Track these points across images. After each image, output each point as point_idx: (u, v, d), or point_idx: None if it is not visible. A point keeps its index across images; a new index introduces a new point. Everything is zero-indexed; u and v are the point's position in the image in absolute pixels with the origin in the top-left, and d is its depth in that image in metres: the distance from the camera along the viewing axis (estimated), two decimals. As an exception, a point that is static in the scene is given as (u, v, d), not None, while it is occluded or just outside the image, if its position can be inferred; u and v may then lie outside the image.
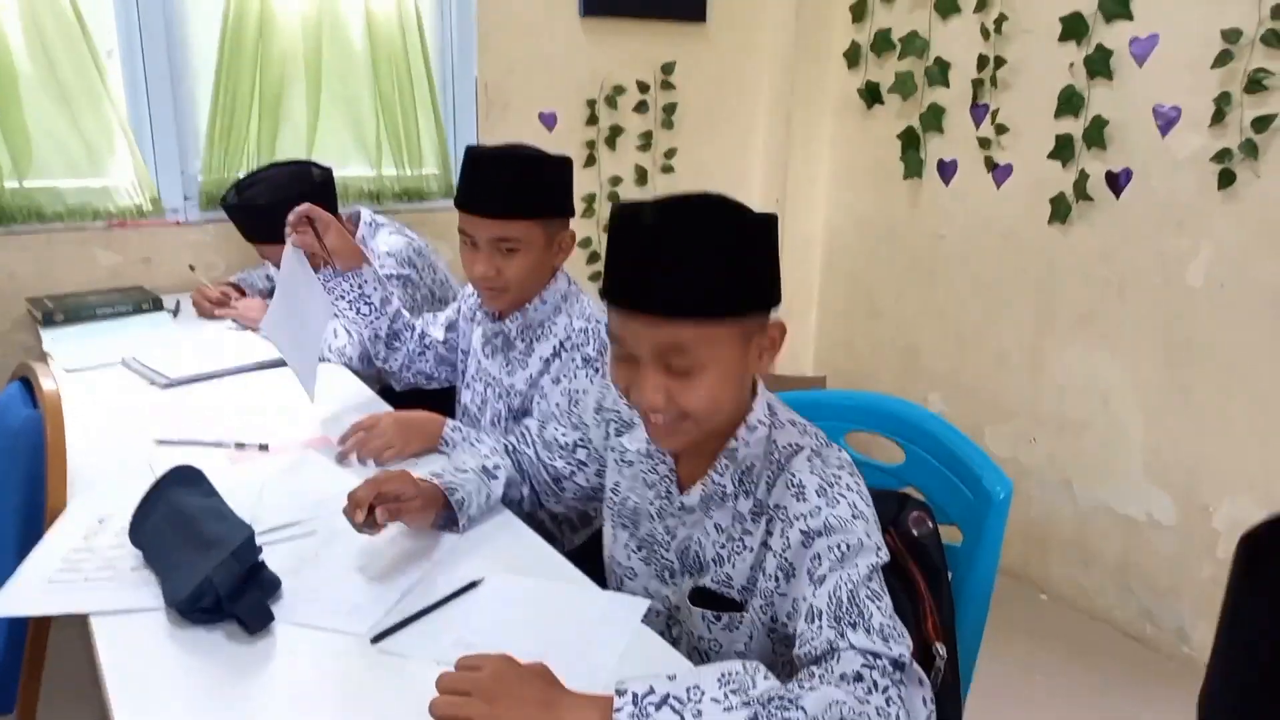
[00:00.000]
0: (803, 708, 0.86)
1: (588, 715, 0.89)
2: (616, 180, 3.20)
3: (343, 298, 1.77)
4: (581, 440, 1.39)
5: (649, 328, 1.04)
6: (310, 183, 2.25)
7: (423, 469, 1.54)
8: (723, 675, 0.91)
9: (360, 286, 1.76)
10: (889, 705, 0.89)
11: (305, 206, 1.68)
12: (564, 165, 1.66)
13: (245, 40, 2.53)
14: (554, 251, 1.67)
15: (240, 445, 1.58)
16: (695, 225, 1.03)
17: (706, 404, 1.08)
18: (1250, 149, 2.23)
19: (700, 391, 1.07)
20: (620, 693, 0.89)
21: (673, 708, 0.87)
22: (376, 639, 1.07)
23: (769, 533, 1.13)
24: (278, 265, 2.30)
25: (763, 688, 0.89)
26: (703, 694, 0.89)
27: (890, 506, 1.29)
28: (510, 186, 1.58)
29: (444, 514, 1.34)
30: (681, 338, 1.04)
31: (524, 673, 0.93)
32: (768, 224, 1.08)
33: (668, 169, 3.28)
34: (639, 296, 1.05)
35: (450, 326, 1.90)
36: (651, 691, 0.88)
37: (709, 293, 1.02)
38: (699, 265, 1.02)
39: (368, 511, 1.21)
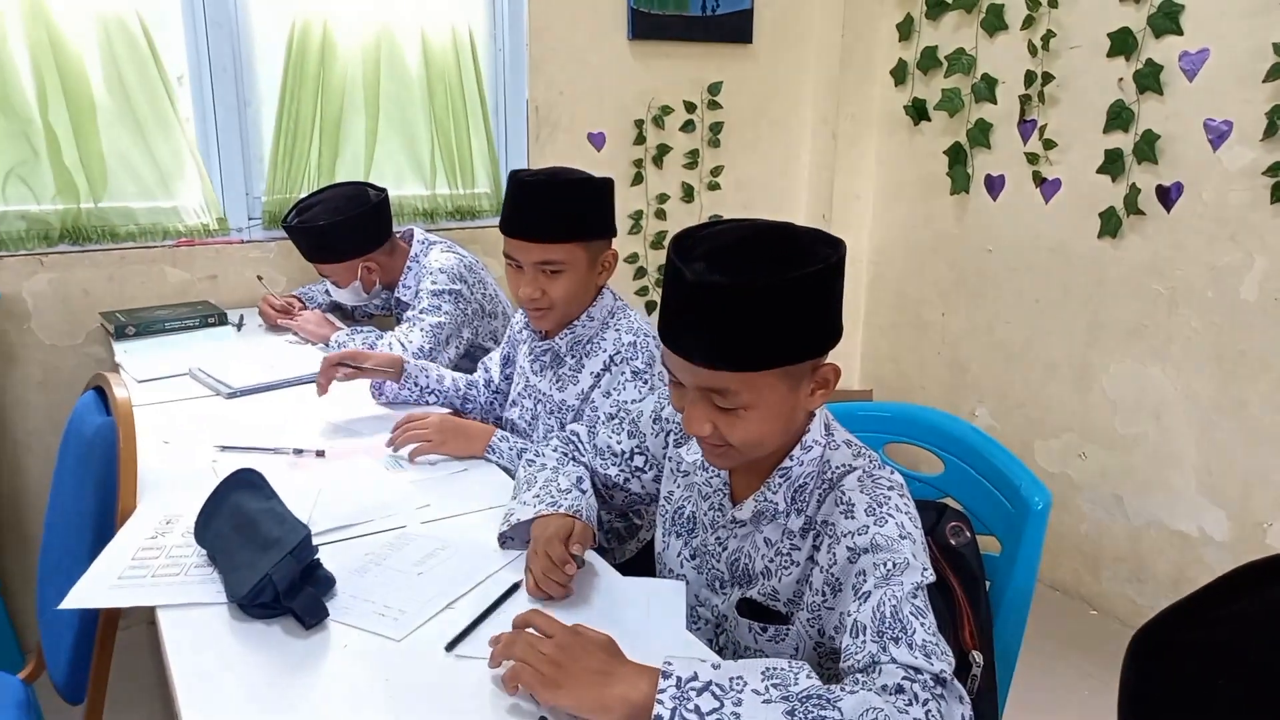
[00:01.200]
0: (840, 709, 0.88)
1: (639, 687, 0.94)
2: (664, 198, 3.25)
3: (409, 402, 1.89)
4: (638, 448, 1.40)
5: (691, 369, 1.07)
6: (367, 203, 2.34)
7: (474, 475, 1.60)
8: (767, 669, 0.94)
9: (417, 385, 1.88)
10: (928, 719, 0.90)
11: (328, 362, 1.78)
12: (604, 187, 1.69)
13: (308, 68, 2.64)
14: (597, 271, 1.71)
15: (299, 451, 1.65)
16: (740, 285, 1.01)
17: (752, 439, 1.10)
18: (1304, 161, 2.21)
19: (746, 427, 1.09)
20: (666, 675, 0.93)
21: (714, 694, 0.91)
22: (450, 646, 1.09)
23: (816, 548, 1.15)
24: (336, 284, 2.40)
25: (804, 685, 0.92)
26: (745, 685, 0.92)
27: (929, 516, 1.30)
28: (552, 211, 1.63)
29: None
30: (722, 382, 1.06)
31: (588, 644, 1.00)
32: (828, 271, 1.05)
33: (714, 186, 3.32)
34: (679, 346, 1.07)
35: (507, 361, 1.96)
36: (695, 677, 0.92)
37: (749, 351, 1.03)
38: (739, 326, 1.02)
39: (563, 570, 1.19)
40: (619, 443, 1.41)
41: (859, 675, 0.95)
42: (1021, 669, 1.36)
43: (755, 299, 1.01)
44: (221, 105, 2.59)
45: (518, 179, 1.65)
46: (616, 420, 1.44)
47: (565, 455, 1.45)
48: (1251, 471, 2.40)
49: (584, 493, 1.36)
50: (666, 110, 3.17)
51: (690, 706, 0.90)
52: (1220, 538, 2.48)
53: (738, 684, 0.92)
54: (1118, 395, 2.71)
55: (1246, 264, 2.37)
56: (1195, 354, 2.50)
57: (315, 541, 1.23)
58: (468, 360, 2.47)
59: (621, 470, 1.41)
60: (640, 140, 3.16)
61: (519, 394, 1.87)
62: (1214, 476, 2.49)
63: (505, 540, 1.33)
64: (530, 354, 1.83)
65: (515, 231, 1.65)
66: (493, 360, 1.99)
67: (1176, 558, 2.59)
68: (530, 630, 1.03)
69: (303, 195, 2.47)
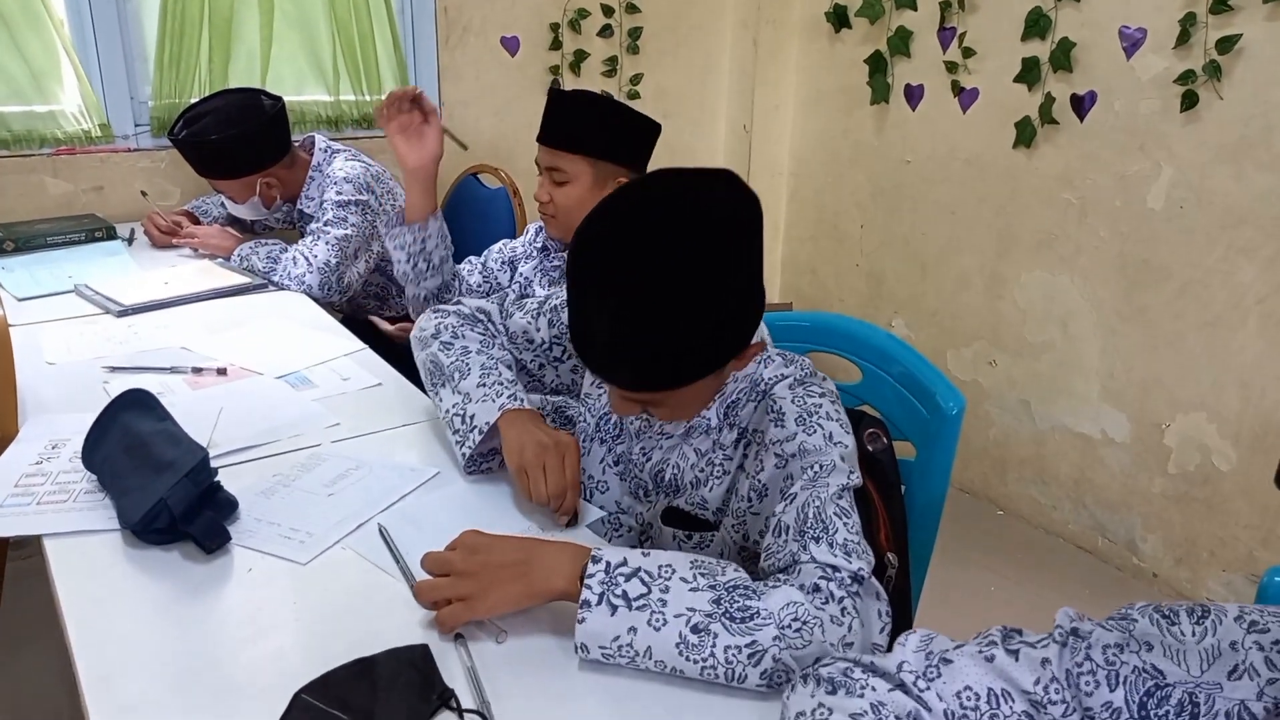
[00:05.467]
0: (764, 601, 0.90)
1: (561, 568, 0.94)
2: (581, 106, 3.14)
3: (401, 249, 1.78)
4: (558, 338, 1.37)
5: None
6: (262, 115, 2.19)
7: (385, 392, 1.54)
8: (695, 560, 0.94)
9: (423, 242, 1.78)
10: (844, 615, 0.91)
11: (409, 92, 1.75)
12: (636, 119, 1.72)
13: (192, -42, 2.44)
14: (606, 192, 1.66)
15: (198, 370, 1.57)
16: (644, 323, 0.99)
17: (684, 414, 1.16)
18: (1213, 70, 2.23)
19: (677, 411, 1.15)
20: (595, 559, 0.92)
21: (641, 580, 0.91)
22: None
23: (745, 456, 1.16)
24: (232, 199, 2.27)
25: (730, 577, 0.93)
26: (673, 572, 0.92)
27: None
28: (567, 120, 1.70)
29: None
30: (646, 397, 1.08)
31: (493, 539, 0.98)
32: (735, 272, 1.07)
33: (634, 95, 3.22)
34: (599, 375, 1.08)
35: (512, 264, 1.91)
36: (624, 563, 0.92)
37: (666, 378, 1.03)
38: (650, 361, 1.01)
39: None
40: (538, 330, 1.38)
41: (780, 574, 0.96)
42: (932, 568, 1.40)
43: (664, 331, 1.00)
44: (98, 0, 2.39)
45: (551, 89, 1.77)
46: (535, 310, 1.40)
47: (487, 336, 1.39)
48: (1151, 376, 2.49)
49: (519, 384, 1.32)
50: (583, 14, 3.04)
51: (618, 592, 0.90)
52: (1120, 439, 2.58)
53: (666, 571, 0.92)
54: (1027, 304, 2.77)
55: (1154, 173, 2.41)
56: (1102, 263, 2.56)
57: (216, 463, 1.17)
58: (379, 275, 2.39)
59: (537, 357, 1.38)
60: (556, 45, 3.04)
61: None
62: (1116, 381, 2.58)
63: (475, 462, 1.25)
64: (541, 269, 1.85)
65: (540, 135, 1.71)
66: (474, 263, 1.92)
67: (1078, 459, 2.69)
68: (433, 551, 0.99)
69: (193, 100, 2.31)
